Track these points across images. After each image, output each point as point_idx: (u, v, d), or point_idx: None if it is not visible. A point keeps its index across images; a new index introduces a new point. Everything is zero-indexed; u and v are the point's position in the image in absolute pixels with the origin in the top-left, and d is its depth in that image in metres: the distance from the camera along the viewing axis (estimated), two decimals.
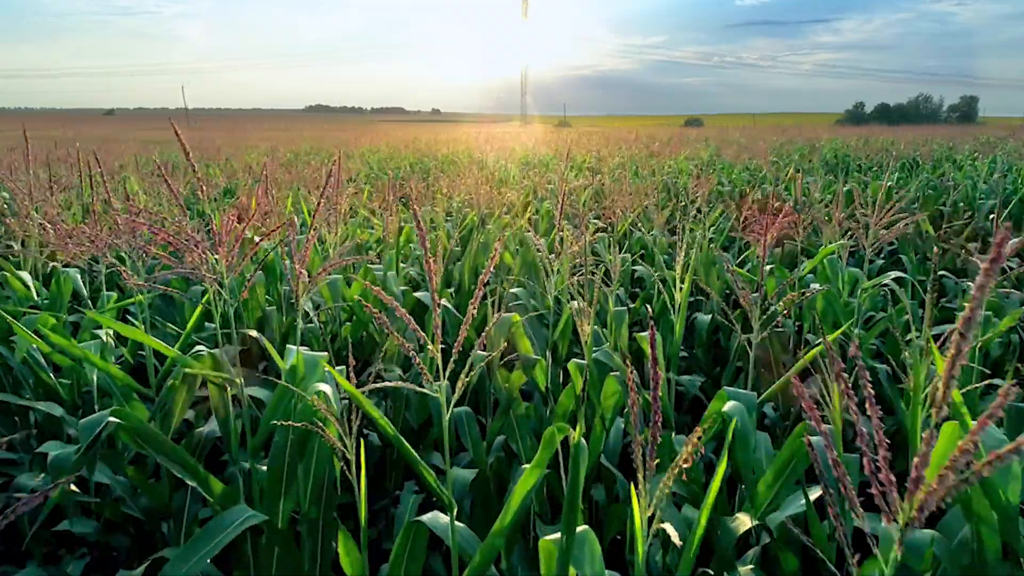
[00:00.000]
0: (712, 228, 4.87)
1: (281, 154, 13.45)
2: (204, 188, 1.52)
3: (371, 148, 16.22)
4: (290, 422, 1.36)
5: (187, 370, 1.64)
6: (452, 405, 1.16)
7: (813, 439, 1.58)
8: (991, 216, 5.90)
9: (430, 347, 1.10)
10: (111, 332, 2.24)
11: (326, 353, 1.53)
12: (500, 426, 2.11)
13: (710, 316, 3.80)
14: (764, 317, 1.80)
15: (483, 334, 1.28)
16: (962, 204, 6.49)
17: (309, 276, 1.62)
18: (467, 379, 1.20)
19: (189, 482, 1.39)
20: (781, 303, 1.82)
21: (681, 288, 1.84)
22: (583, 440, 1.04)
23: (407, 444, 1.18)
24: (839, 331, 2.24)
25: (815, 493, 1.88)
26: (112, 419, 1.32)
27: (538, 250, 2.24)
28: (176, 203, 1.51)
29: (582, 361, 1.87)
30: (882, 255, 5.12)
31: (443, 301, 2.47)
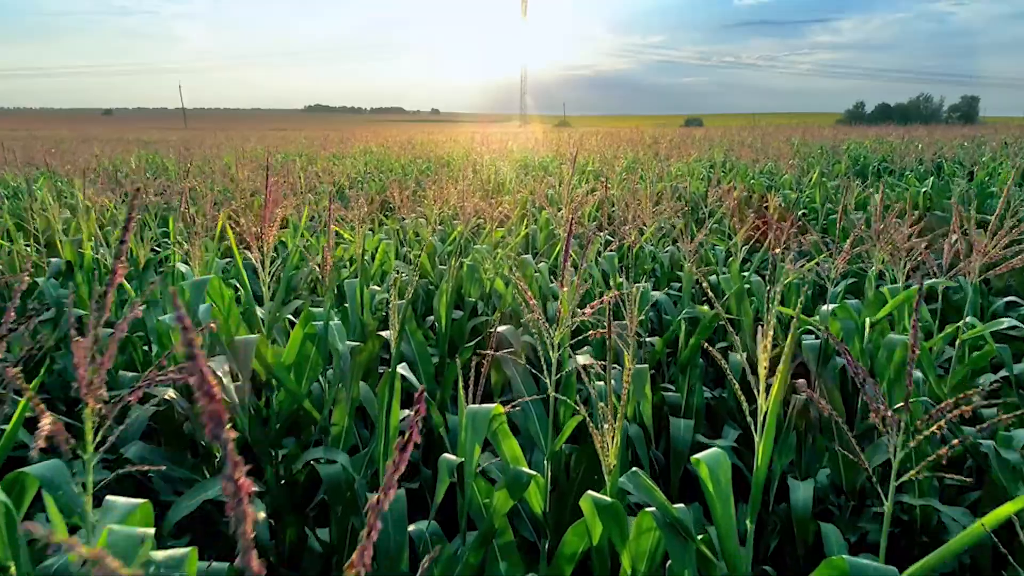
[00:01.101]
0: (738, 243, 4.20)
1: (272, 155, 12.71)
2: None
3: (364, 149, 15.53)
4: None
5: None
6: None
7: None
8: None
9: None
10: None
11: (151, 531, 0.88)
12: (479, 561, 1.45)
13: (745, 354, 3.14)
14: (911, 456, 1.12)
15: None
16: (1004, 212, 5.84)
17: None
18: None
19: None
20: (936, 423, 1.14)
21: (769, 387, 1.16)
22: None
23: None
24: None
25: None
26: None
27: (537, 323, 1.57)
28: None
29: (601, 497, 1.21)
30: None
31: (402, 369, 1.81)
